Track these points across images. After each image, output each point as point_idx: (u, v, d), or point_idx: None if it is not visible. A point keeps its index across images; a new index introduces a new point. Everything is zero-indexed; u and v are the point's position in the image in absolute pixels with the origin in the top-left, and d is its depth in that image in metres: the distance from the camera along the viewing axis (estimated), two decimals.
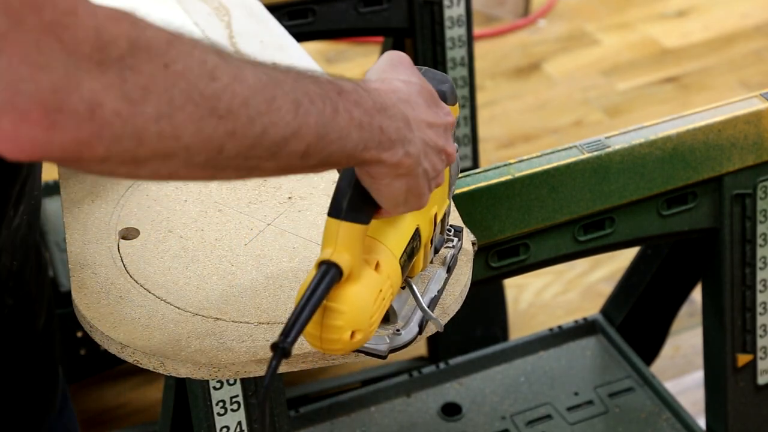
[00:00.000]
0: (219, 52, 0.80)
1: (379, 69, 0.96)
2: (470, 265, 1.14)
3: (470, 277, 1.13)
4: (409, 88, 0.94)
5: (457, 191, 1.28)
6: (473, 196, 1.29)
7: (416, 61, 1.92)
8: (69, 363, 1.94)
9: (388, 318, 1.04)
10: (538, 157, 1.34)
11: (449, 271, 1.10)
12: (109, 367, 2.11)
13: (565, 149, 1.35)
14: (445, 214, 1.08)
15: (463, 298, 1.11)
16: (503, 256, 1.34)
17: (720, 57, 3.15)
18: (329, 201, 0.95)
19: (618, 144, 1.36)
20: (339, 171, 0.96)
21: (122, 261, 1.13)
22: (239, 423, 1.21)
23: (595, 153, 1.35)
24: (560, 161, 1.33)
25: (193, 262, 1.13)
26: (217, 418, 1.20)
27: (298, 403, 1.62)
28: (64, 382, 1.28)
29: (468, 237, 1.17)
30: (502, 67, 3.11)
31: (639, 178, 1.37)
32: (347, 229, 0.92)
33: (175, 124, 0.76)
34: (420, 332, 1.04)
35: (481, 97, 2.69)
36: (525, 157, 1.34)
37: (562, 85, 3.05)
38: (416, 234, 1.01)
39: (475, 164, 2.00)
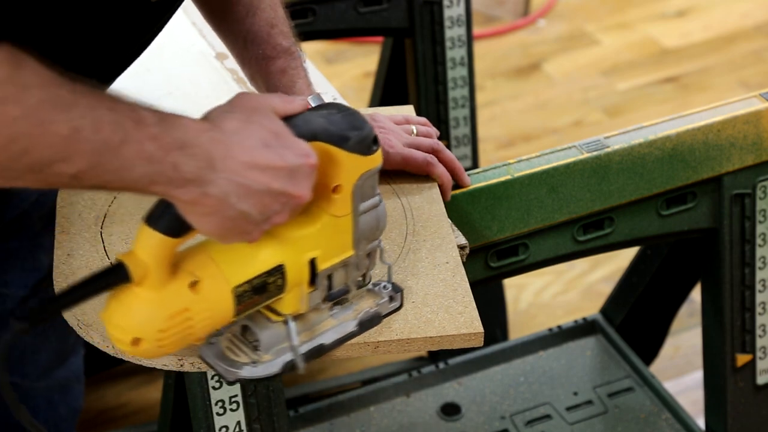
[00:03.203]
0: (18, 64, 0.82)
1: (224, 106, 0.96)
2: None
3: None
4: (241, 129, 0.93)
5: (457, 191, 1.29)
6: (473, 196, 1.29)
7: (416, 62, 1.92)
8: None
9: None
10: (537, 157, 1.34)
11: (362, 326, 1.07)
12: (109, 367, 2.11)
13: (565, 149, 1.35)
14: (347, 264, 1.04)
15: None
16: (503, 256, 1.34)
17: (720, 57, 3.15)
18: None
19: (617, 144, 1.36)
20: None
21: (106, 252, 1.14)
22: (238, 423, 1.21)
23: (595, 153, 1.35)
24: (560, 161, 1.33)
25: None
26: (216, 417, 1.21)
27: (298, 403, 1.62)
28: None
29: (454, 242, 1.17)
30: (502, 67, 3.11)
31: (638, 178, 1.37)
32: (153, 237, 0.91)
33: None
34: (282, 372, 1.03)
35: (481, 97, 2.69)
36: (524, 157, 1.34)
37: (562, 85, 3.05)
38: (277, 271, 0.98)
39: (475, 164, 2.00)
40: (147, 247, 0.91)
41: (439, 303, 1.10)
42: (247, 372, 1.02)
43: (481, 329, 1.07)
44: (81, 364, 1.51)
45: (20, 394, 1.43)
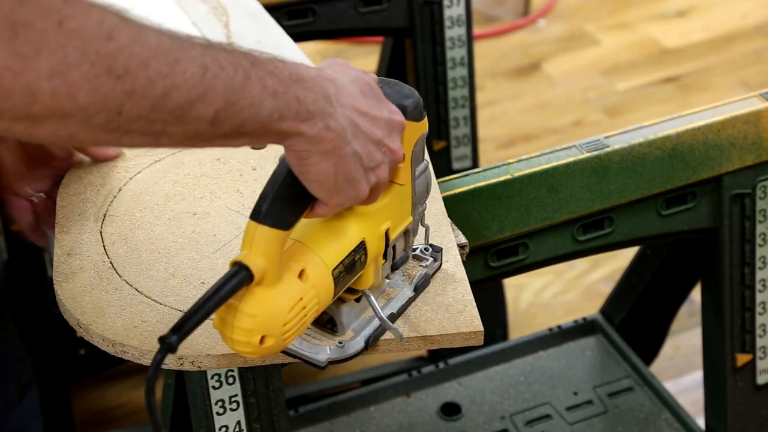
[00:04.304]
0: (119, 14, 0.80)
1: (320, 65, 0.97)
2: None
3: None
4: (340, 76, 0.95)
5: (457, 191, 1.28)
6: (473, 195, 1.29)
7: (416, 62, 1.93)
8: (69, 363, 1.94)
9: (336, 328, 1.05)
10: (537, 156, 1.34)
11: (417, 290, 1.10)
12: (109, 367, 2.11)
13: (565, 149, 1.35)
14: (407, 231, 1.08)
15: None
16: (502, 255, 1.34)
17: (720, 57, 3.15)
18: None
19: (617, 144, 1.36)
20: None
21: (106, 252, 1.14)
22: (238, 422, 1.21)
23: (595, 153, 1.35)
24: (559, 161, 1.33)
25: (178, 256, 1.13)
26: (216, 417, 1.21)
27: (298, 403, 1.62)
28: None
29: (454, 241, 1.17)
30: (502, 67, 3.11)
31: (638, 178, 1.37)
32: (264, 233, 0.91)
33: (69, 82, 0.76)
34: (365, 348, 1.05)
35: (481, 97, 2.69)
36: (524, 157, 1.34)
37: (562, 85, 3.05)
38: (361, 247, 1.00)
39: (475, 164, 2.00)
40: (260, 244, 0.91)
41: (438, 302, 1.10)
42: (337, 353, 1.04)
43: (481, 328, 1.07)
44: (37, 400, 1.44)
45: None
